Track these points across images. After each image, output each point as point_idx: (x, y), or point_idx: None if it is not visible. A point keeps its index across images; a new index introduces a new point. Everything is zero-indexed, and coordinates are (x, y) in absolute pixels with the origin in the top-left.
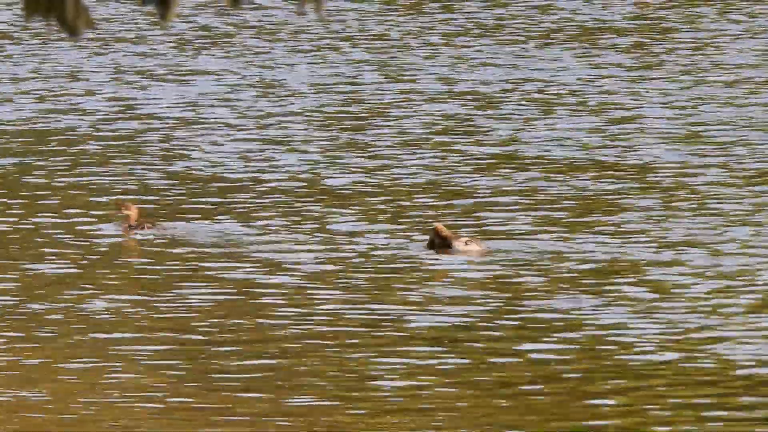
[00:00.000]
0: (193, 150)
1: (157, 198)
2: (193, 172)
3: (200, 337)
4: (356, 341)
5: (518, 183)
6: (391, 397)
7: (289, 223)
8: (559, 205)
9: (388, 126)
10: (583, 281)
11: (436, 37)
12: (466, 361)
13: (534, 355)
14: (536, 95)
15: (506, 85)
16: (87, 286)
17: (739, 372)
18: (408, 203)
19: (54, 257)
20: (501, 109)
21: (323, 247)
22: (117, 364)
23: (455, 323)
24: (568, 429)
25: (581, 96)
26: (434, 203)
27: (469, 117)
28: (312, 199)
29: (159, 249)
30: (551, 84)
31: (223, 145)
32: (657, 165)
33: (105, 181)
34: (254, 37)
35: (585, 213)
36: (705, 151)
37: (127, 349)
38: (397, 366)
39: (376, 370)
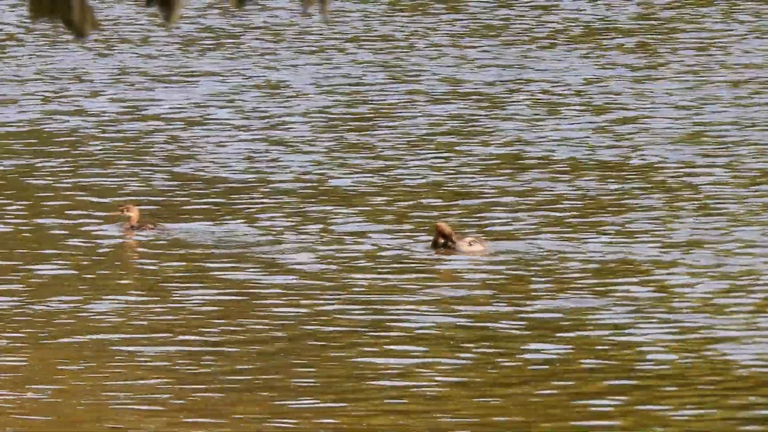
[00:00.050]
0: (198, 151)
1: (162, 199)
2: (198, 172)
3: (202, 338)
4: (360, 341)
5: (523, 183)
6: (392, 398)
7: (293, 224)
8: (563, 206)
9: (393, 126)
10: (588, 281)
11: (440, 37)
12: (469, 361)
13: (536, 355)
14: (541, 96)
15: (511, 86)
16: (89, 287)
17: (743, 372)
18: (412, 204)
19: (57, 258)
20: (506, 109)
21: (327, 247)
22: (119, 364)
23: (459, 323)
24: (569, 429)
25: (586, 96)
26: (439, 204)
27: (473, 117)
28: (316, 200)
29: (162, 250)
30: (556, 84)
31: (227, 146)
32: (662, 165)
33: (109, 182)
34: (259, 39)
35: (589, 213)
36: (710, 152)
37: (129, 349)
38: (400, 366)
39: (378, 370)
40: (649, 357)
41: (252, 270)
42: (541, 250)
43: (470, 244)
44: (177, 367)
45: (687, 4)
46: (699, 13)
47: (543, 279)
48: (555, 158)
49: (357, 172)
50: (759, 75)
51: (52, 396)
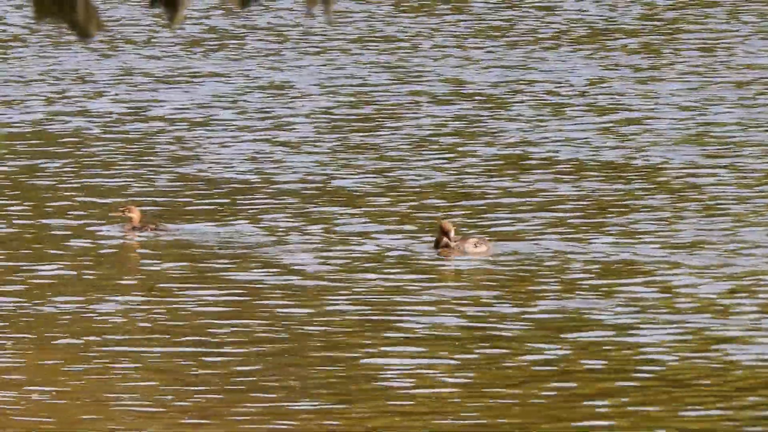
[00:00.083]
0: (202, 152)
1: (166, 200)
2: (202, 173)
3: (205, 339)
4: (364, 342)
5: (527, 184)
6: (396, 399)
7: (297, 225)
8: (567, 206)
9: (397, 127)
10: (592, 282)
11: (444, 38)
12: (473, 362)
13: (540, 356)
14: (545, 97)
15: (515, 87)
16: (91, 287)
17: (747, 373)
18: (416, 204)
19: (59, 259)
20: (510, 110)
21: (331, 248)
22: (121, 365)
23: (463, 324)
24: (573, 430)
25: (590, 97)
26: (443, 204)
27: (477, 118)
28: (320, 201)
29: (164, 251)
30: (560, 85)
31: (231, 146)
32: (666, 166)
33: (113, 183)
34: (263, 39)
35: (593, 214)
36: (714, 152)
37: (132, 350)
38: (404, 367)
39: (382, 371)
40: (653, 358)
41: (256, 270)
42: (545, 251)
43: (476, 246)
44: (179, 368)
45: (691, 4)
46: (703, 14)
47: (547, 280)
48: (559, 159)
49: (361, 173)
50: (763, 76)
51: (54, 397)
